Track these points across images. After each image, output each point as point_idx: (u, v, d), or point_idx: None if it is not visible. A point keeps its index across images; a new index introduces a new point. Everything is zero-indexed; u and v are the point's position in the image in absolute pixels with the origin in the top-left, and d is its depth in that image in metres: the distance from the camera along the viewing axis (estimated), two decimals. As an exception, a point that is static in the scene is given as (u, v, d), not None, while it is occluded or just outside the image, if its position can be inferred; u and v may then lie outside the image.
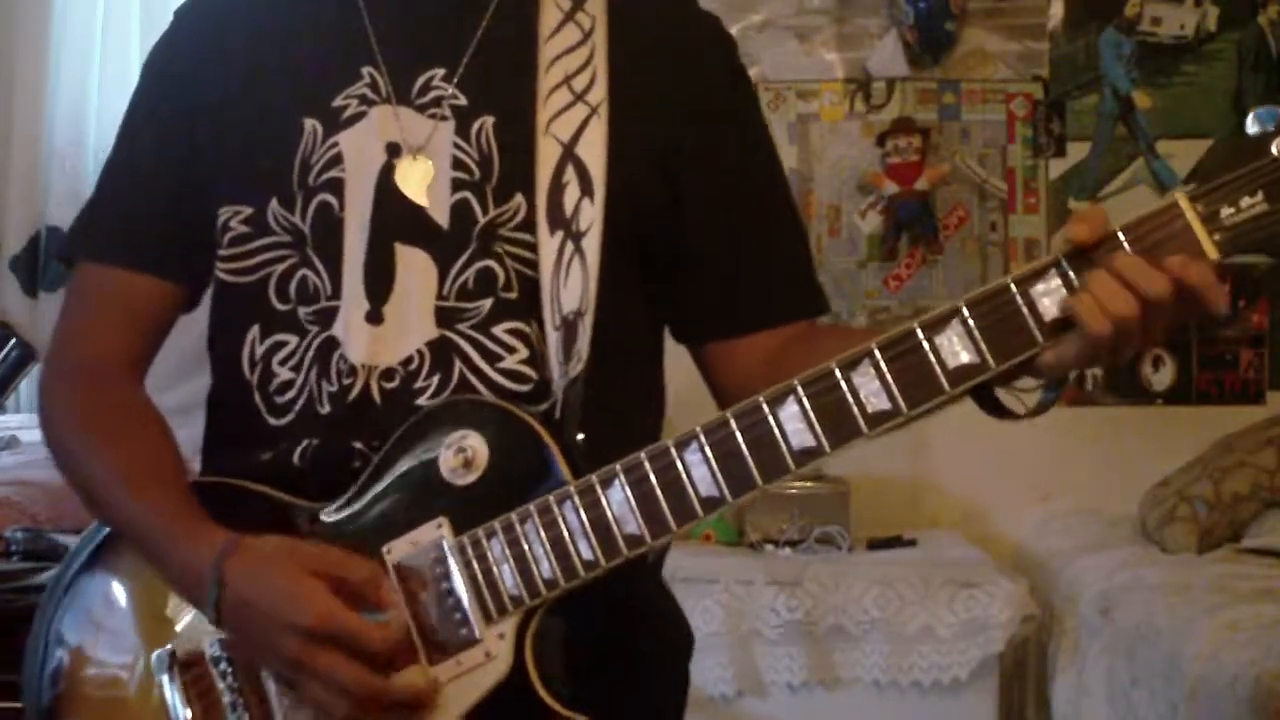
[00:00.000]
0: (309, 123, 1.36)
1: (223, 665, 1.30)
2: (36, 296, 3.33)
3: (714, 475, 1.20)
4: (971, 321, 1.15)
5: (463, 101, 1.35)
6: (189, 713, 1.30)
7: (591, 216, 1.32)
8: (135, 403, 1.42)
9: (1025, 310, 1.14)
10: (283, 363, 1.36)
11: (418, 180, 1.34)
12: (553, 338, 1.32)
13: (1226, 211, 1.11)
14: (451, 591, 1.25)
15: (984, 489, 3.77)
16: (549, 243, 1.32)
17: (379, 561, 1.27)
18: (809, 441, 1.18)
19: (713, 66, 1.43)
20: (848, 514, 3.38)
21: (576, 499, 1.23)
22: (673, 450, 1.21)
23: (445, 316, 1.33)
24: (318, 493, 1.31)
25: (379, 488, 1.29)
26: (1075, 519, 3.64)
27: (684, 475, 1.20)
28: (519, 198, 1.34)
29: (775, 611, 3.10)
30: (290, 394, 1.35)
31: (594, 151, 1.34)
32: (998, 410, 1.20)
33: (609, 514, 1.22)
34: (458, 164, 1.34)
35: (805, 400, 1.18)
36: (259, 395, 1.37)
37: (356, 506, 1.30)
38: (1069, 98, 3.81)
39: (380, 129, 1.35)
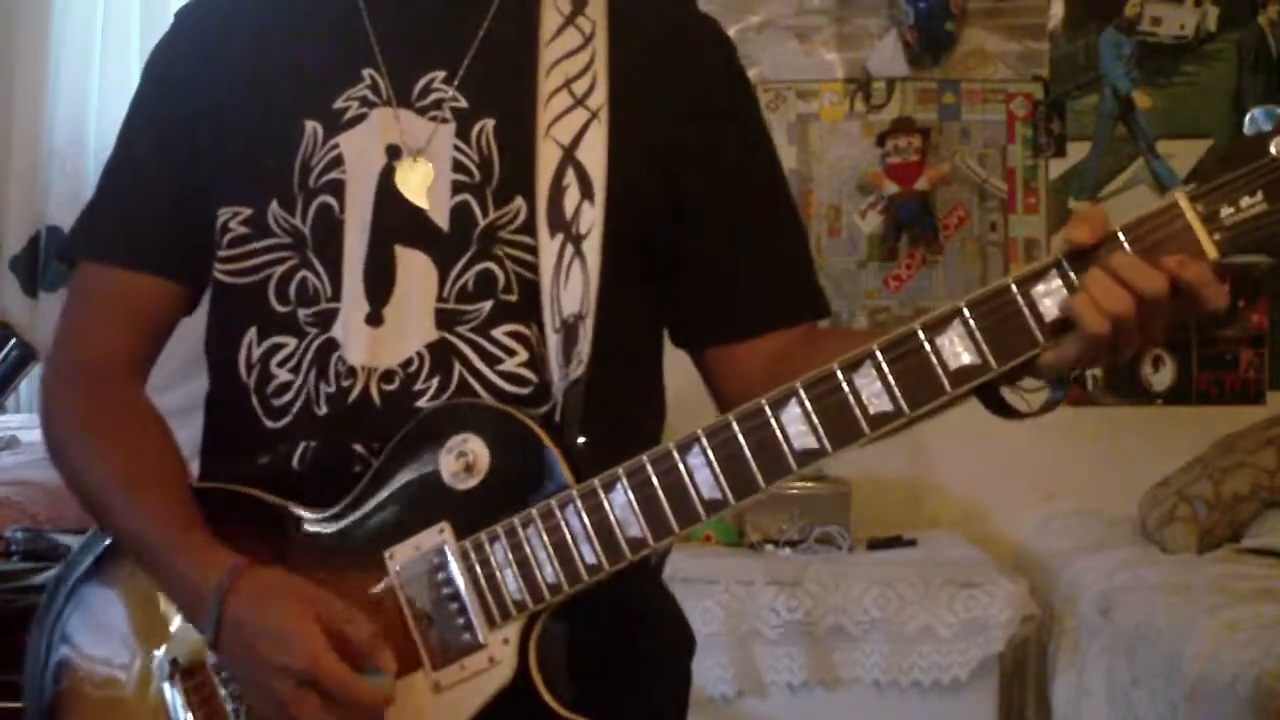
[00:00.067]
0: (310, 124, 1.36)
1: (225, 673, 1.29)
2: (36, 296, 3.33)
3: (716, 477, 1.20)
4: (972, 322, 1.15)
5: (463, 104, 1.35)
6: (191, 719, 1.30)
7: (592, 219, 1.32)
8: (136, 404, 1.42)
9: (1026, 310, 1.15)
10: (281, 364, 1.35)
11: (418, 182, 1.34)
12: (552, 340, 1.31)
13: (1226, 211, 1.12)
14: (455, 596, 1.25)
15: (984, 489, 3.77)
16: (549, 245, 1.32)
17: (380, 565, 1.27)
18: (811, 443, 1.18)
19: (712, 67, 1.43)
20: (848, 514, 3.38)
21: (579, 502, 1.23)
22: (675, 453, 1.21)
23: (445, 319, 1.33)
24: (317, 496, 1.31)
25: (380, 492, 1.29)
26: (1075, 519, 3.64)
27: (686, 478, 1.20)
28: (519, 200, 1.34)
29: (775, 611, 3.10)
30: (288, 396, 1.35)
31: (594, 155, 1.34)
32: (1002, 410, 1.20)
33: (612, 517, 1.22)
34: (458, 166, 1.34)
35: (807, 402, 1.18)
36: (256, 398, 1.36)
37: (357, 512, 1.30)
38: (1069, 98, 3.81)
39: (381, 131, 1.35)
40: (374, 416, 1.31)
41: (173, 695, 1.31)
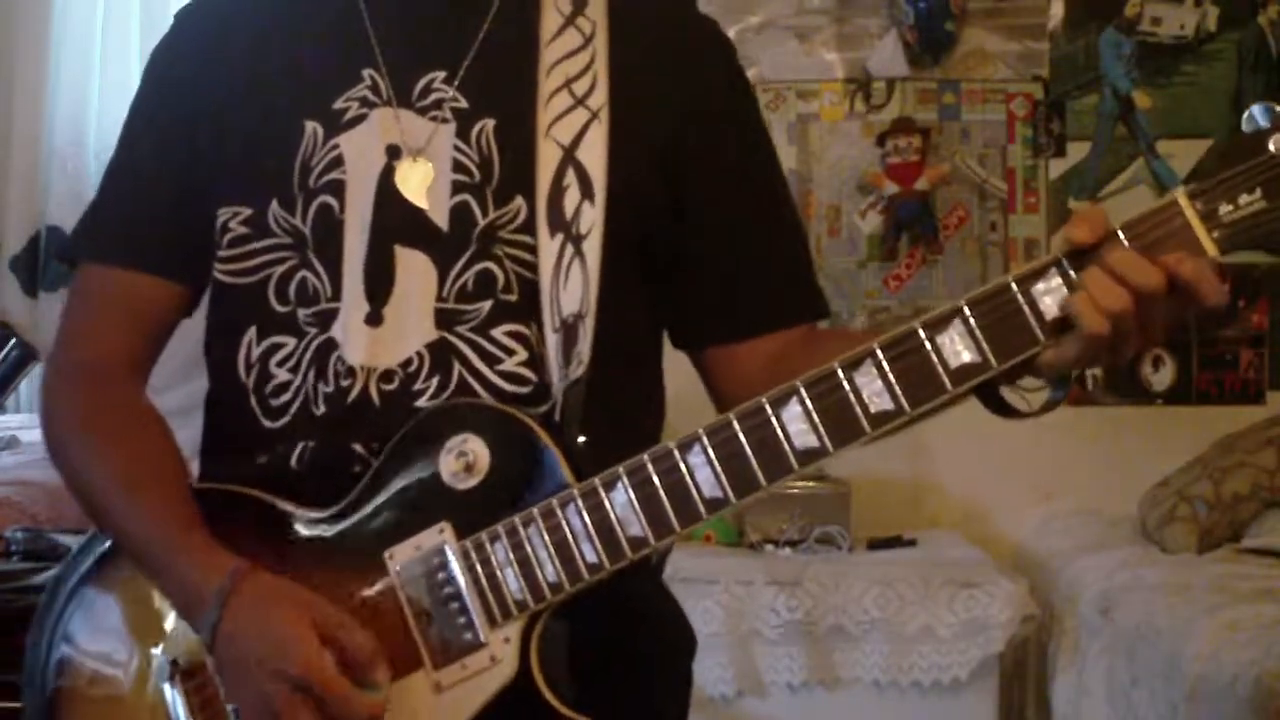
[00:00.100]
0: (310, 125, 1.36)
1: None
2: (36, 296, 3.33)
3: (717, 476, 1.20)
4: (973, 321, 1.15)
5: (463, 104, 1.35)
6: (191, 720, 1.30)
7: (592, 219, 1.32)
8: (136, 404, 1.42)
9: (1026, 309, 1.15)
10: (280, 364, 1.35)
11: (418, 182, 1.34)
12: (552, 340, 1.31)
13: (1225, 209, 1.12)
14: (455, 595, 1.25)
15: (984, 489, 3.77)
16: (549, 245, 1.32)
17: (380, 565, 1.27)
18: (812, 442, 1.18)
19: (712, 68, 1.43)
20: (848, 514, 3.38)
21: (580, 501, 1.23)
22: (676, 452, 1.21)
23: (444, 318, 1.33)
24: (316, 496, 1.31)
25: (379, 492, 1.29)
26: (1075, 519, 3.64)
27: (687, 477, 1.20)
28: (519, 200, 1.34)
29: (775, 611, 3.11)
30: (286, 396, 1.35)
31: (595, 155, 1.34)
32: (1003, 410, 1.20)
33: (613, 516, 1.22)
34: (458, 166, 1.34)
35: (808, 400, 1.18)
36: (254, 398, 1.36)
37: (357, 512, 1.29)
38: (1069, 98, 3.81)
39: (381, 131, 1.35)
40: (373, 416, 1.31)
41: (173, 696, 1.31)
